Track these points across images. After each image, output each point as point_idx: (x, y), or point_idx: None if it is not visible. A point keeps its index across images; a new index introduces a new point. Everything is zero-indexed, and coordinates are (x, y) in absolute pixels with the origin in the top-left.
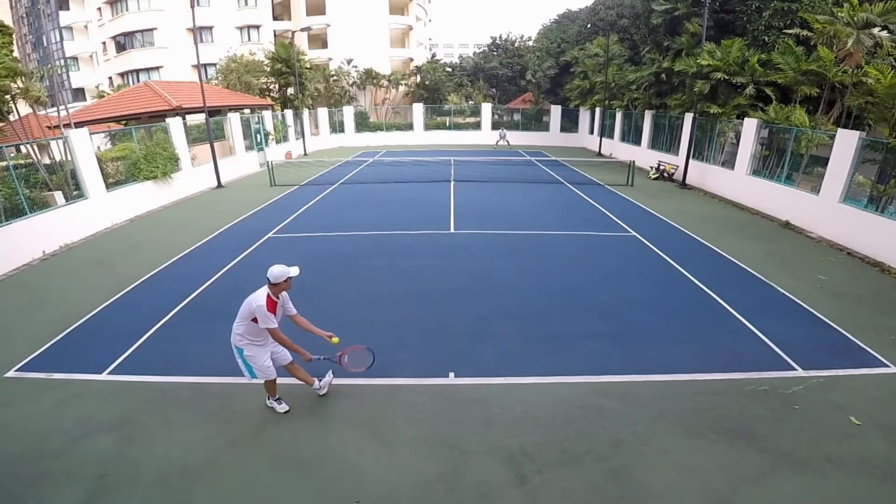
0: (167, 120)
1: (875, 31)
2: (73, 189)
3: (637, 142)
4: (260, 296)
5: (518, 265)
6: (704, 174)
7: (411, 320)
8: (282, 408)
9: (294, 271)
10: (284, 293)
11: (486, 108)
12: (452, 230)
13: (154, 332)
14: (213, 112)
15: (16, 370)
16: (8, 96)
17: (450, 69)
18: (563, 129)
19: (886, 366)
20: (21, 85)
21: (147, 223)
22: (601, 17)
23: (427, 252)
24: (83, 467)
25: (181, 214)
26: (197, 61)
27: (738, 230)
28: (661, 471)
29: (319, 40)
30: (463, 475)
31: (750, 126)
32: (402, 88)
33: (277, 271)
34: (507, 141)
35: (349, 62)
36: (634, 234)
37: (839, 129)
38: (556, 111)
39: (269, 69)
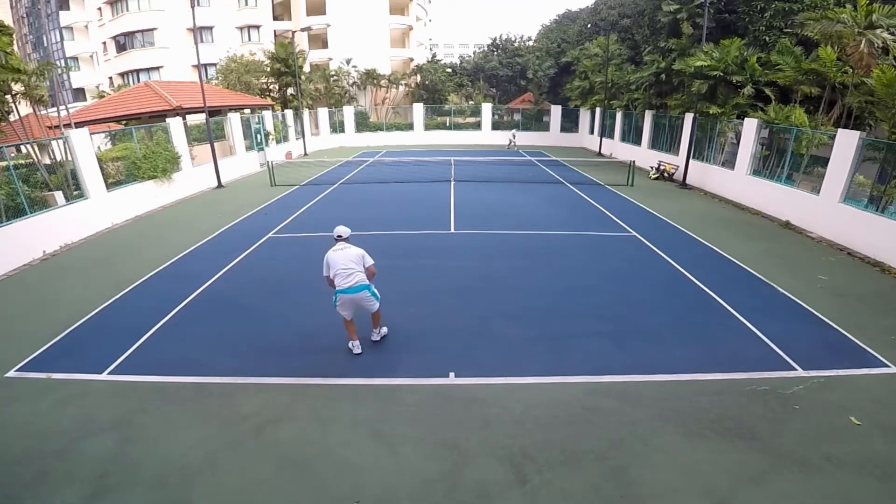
0: (167, 120)
1: (878, 31)
2: (74, 189)
3: (637, 142)
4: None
5: (518, 265)
6: (704, 174)
7: (411, 320)
8: (358, 349)
9: (339, 230)
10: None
11: (487, 108)
12: (453, 230)
13: (154, 331)
14: (214, 112)
15: (16, 370)
16: (8, 96)
17: (450, 69)
18: (563, 129)
19: (886, 366)
20: (24, 86)
21: (147, 223)
22: (602, 17)
23: (427, 252)
24: (83, 467)
25: (181, 214)
26: (197, 61)
27: (738, 230)
28: (661, 471)
29: (319, 40)
30: (463, 475)
31: (750, 126)
32: (402, 88)
33: (341, 230)
34: (515, 143)
35: (349, 62)
36: (635, 234)
37: (839, 129)
38: (556, 111)
39: (269, 69)
